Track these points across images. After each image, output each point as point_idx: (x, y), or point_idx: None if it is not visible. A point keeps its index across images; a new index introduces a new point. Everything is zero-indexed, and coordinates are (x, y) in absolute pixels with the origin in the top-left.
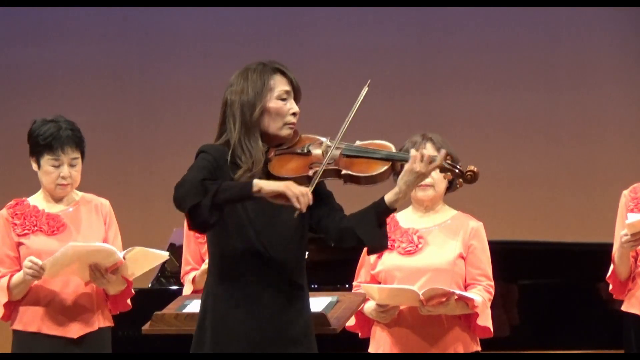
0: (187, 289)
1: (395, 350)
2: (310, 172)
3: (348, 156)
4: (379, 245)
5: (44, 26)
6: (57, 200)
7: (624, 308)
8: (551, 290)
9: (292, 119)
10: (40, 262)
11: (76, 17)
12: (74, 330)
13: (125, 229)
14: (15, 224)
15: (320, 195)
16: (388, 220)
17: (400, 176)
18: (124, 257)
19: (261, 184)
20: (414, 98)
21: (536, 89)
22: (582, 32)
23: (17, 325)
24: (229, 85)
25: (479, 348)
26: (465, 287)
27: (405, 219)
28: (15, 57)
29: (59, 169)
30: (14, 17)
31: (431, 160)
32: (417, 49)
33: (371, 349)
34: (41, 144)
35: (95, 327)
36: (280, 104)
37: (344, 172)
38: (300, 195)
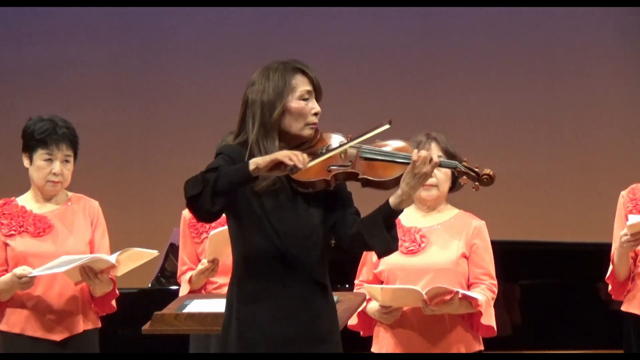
0: (184, 289)
1: (398, 351)
2: (329, 176)
3: (366, 158)
4: (388, 249)
5: (44, 26)
6: (46, 199)
7: (623, 308)
8: (551, 290)
9: (314, 119)
10: (31, 272)
11: (76, 17)
12: (58, 333)
13: (125, 228)
14: (2, 224)
15: (339, 197)
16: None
17: (402, 178)
18: (117, 260)
19: (257, 161)
20: (414, 98)
21: (536, 89)
22: (582, 32)
23: (3, 326)
24: (250, 84)
25: (481, 347)
26: (468, 287)
27: (407, 217)
28: (15, 57)
29: (51, 165)
30: (14, 17)
31: (430, 159)
32: (417, 49)
33: (374, 349)
34: (36, 138)
35: (80, 330)
36: (302, 104)
37: (361, 176)
38: (292, 154)
